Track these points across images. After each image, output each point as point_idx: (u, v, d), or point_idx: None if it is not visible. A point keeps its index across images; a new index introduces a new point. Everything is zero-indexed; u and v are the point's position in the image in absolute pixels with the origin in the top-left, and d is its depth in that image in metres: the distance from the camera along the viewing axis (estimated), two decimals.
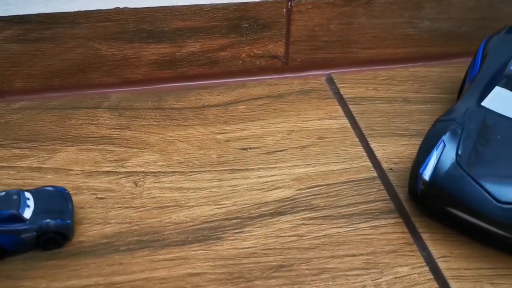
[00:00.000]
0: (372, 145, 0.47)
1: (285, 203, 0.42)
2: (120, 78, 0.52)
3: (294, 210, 0.41)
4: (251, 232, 0.39)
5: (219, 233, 0.39)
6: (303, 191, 0.43)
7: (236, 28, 0.52)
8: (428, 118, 0.49)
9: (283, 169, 0.45)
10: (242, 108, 0.51)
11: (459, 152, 0.37)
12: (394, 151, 0.47)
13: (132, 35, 0.50)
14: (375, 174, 0.44)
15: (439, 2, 0.54)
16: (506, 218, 0.35)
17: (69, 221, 0.37)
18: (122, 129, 0.48)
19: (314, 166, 0.45)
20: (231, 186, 0.43)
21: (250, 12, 0.51)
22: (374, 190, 0.43)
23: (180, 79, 0.54)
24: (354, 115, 0.51)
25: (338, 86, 0.54)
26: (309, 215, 0.41)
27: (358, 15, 0.54)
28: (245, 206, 0.41)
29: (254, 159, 0.45)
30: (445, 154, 0.37)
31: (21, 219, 0.36)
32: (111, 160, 0.45)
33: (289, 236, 0.39)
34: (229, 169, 0.44)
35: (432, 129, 0.40)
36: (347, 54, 0.56)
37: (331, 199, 0.42)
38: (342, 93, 0.53)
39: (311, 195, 0.42)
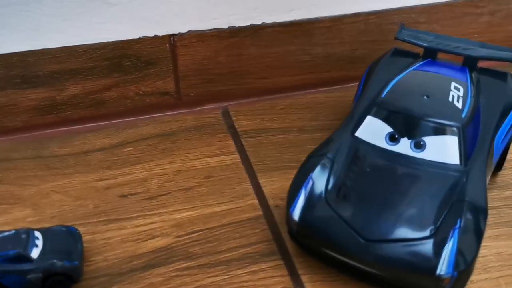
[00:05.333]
0: (261, 181, 0.45)
1: (160, 254, 0.39)
2: None
3: (169, 261, 0.38)
4: None
5: None
6: (181, 238, 0.40)
7: (118, 67, 0.50)
8: None
9: (163, 215, 0.42)
10: (128, 150, 0.48)
11: (328, 189, 0.36)
12: (283, 185, 0.45)
13: (4, 82, 0.47)
14: (261, 213, 0.42)
15: (329, 28, 0.53)
16: (374, 256, 0.33)
17: (77, 263, 0.35)
18: None
19: (196, 209, 0.43)
20: (105, 239, 0.40)
21: (130, 50, 0.49)
22: (257, 230, 0.41)
23: (64, 124, 0.51)
24: (246, 149, 0.49)
25: (234, 119, 0.53)
26: (185, 264, 0.38)
27: (246, 46, 0.52)
28: (116, 260, 0.38)
29: (134, 206, 0.43)
30: (313, 191, 0.36)
31: (28, 259, 0.34)
32: None
33: None
34: (105, 220, 0.42)
35: (303, 165, 0.38)
36: (242, 85, 0.55)
37: (210, 244, 0.40)
38: (236, 127, 0.52)
39: (190, 242, 0.40)
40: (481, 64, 0.45)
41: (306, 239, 0.36)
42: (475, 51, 0.44)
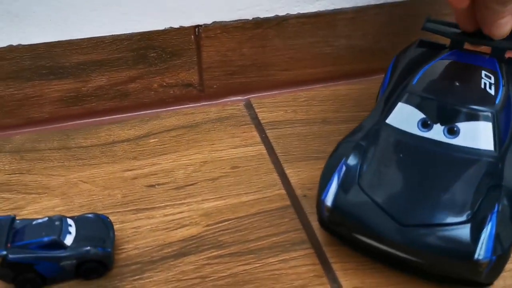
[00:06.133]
0: (287, 172, 0.45)
1: (191, 242, 0.39)
2: (23, 119, 0.49)
3: (200, 249, 0.38)
4: (151, 277, 0.36)
5: (115, 281, 0.36)
6: (211, 227, 0.40)
7: (143, 58, 0.50)
8: None
9: (191, 205, 0.42)
10: (154, 142, 0.48)
11: (361, 175, 0.35)
12: (310, 176, 0.45)
13: (30, 73, 0.47)
14: (289, 203, 0.42)
15: (352, 19, 0.53)
16: (410, 241, 0.33)
17: (109, 250, 0.36)
18: (22, 173, 0.45)
19: (225, 199, 0.43)
20: (134, 227, 0.40)
21: (156, 41, 0.49)
22: (286, 220, 0.41)
23: (89, 115, 0.51)
24: (271, 140, 0.49)
25: (257, 110, 0.53)
26: (215, 253, 0.38)
27: (270, 37, 0.52)
28: (147, 249, 0.38)
29: (162, 196, 0.43)
30: (346, 177, 0.36)
31: (62, 246, 0.35)
32: (6, 209, 0.41)
33: (192, 278, 0.36)
34: (134, 209, 0.42)
35: (334, 152, 0.38)
36: (265, 77, 0.55)
37: (240, 233, 0.40)
38: (260, 118, 0.52)
39: (219, 231, 0.40)
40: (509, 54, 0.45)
41: (338, 226, 0.36)
42: (503, 42, 0.43)
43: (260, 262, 0.38)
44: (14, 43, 0.45)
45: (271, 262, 0.38)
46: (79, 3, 0.45)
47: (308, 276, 0.37)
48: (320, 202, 0.36)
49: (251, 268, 0.37)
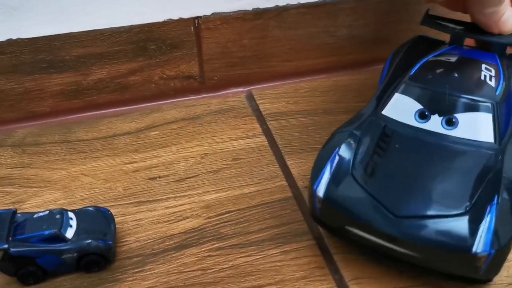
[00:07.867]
0: (288, 163, 0.45)
1: (192, 234, 0.39)
2: (25, 113, 0.49)
3: (201, 241, 0.38)
4: (153, 270, 0.37)
5: (117, 274, 0.36)
6: (212, 219, 0.40)
7: (143, 51, 0.49)
8: None
9: (193, 197, 0.42)
10: (155, 134, 0.48)
11: (355, 165, 0.35)
12: (311, 167, 0.44)
13: (30, 67, 0.47)
14: (290, 194, 0.42)
15: (353, 9, 0.52)
16: (405, 234, 0.32)
17: (110, 242, 0.36)
18: (24, 167, 0.45)
19: (226, 191, 0.43)
20: (136, 220, 0.40)
21: (155, 33, 0.49)
22: (287, 211, 0.41)
23: (90, 109, 0.51)
24: (273, 132, 0.49)
25: (258, 102, 0.52)
26: (217, 245, 0.38)
27: (271, 28, 0.52)
28: (148, 241, 0.38)
29: (163, 188, 0.43)
30: (339, 167, 0.35)
31: (63, 239, 0.35)
32: (8, 203, 0.41)
33: (193, 270, 0.36)
34: (135, 202, 0.42)
35: (328, 141, 0.37)
36: (266, 69, 0.54)
37: (241, 225, 0.40)
38: (261, 110, 0.51)
39: (220, 223, 0.40)
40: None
41: (331, 218, 0.35)
42: (504, 37, 0.42)
43: (261, 253, 0.38)
44: (14, 37, 0.45)
45: (272, 254, 0.38)
46: None
47: (309, 267, 0.37)
48: (312, 193, 0.35)
49: (252, 260, 0.37)
